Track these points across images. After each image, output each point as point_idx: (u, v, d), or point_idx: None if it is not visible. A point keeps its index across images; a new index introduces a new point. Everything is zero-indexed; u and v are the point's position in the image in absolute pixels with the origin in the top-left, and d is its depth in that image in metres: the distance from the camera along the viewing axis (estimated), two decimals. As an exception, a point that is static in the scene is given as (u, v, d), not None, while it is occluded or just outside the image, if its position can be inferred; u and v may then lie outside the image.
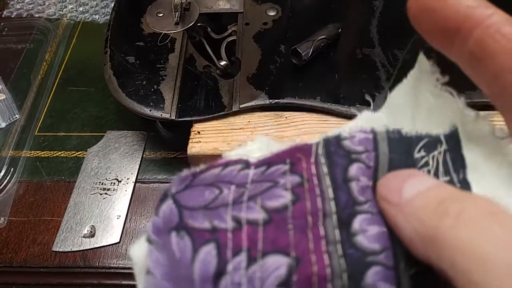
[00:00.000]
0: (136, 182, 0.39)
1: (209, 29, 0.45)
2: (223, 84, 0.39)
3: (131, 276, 0.34)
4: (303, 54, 0.38)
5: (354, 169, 0.15)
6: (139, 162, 0.41)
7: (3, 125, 0.44)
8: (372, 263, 0.13)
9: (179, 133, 0.38)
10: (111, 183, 0.39)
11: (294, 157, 0.15)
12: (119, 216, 0.37)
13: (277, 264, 0.13)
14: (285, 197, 0.14)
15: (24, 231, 0.37)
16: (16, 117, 0.44)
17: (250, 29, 0.42)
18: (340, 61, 0.40)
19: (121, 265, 0.35)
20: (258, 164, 0.16)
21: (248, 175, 0.15)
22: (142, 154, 0.41)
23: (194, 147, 0.35)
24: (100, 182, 0.39)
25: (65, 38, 0.51)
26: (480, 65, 0.13)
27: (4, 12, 0.53)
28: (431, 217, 0.12)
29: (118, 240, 0.36)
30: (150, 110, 0.37)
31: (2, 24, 0.52)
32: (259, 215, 0.14)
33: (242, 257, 0.13)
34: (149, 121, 0.39)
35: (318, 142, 0.16)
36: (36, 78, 0.47)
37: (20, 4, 0.54)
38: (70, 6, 0.54)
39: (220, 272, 0.13)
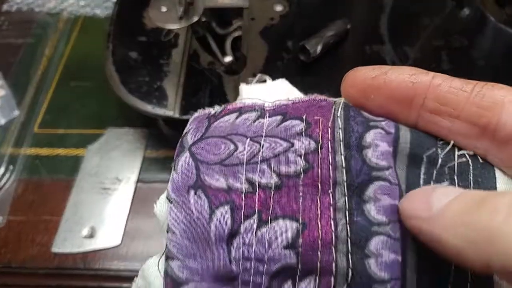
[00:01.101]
0: (137, 181, 0.38)
1: (213, 24, 0.43)
2: (228, 81, 0.38)
3: (132, 279, 0.33)
4: (311, 51, 0.37)
5: (371, 135, 0.15)
6: (140, 161, 0.39)
7: (3, 121, 0.43)
8: (377, 233, 0.14)
9: (181, 131, 0.37)
10: (112, 182, 0.38)
11: (311, 115, 0.15)
12: (120, 216, 0.36)
13: (285, 228, 0.14)
14: (298, 164, 0.14)
15: (23, 231, 0.36)
16: (15, 114, 0.43)
17: (256, 25, 0.41)
18: (348, 58, 0.39)
19: (122, 268, 0.34)
20: (273, 113, 0.16)
21: (263, 125, 0.15)
22: (144, 153, 0.40)
23: (198, 146, 0.34)
24: (100, 181, 0.38)
25: (66, 32, 0.50)
26: (448, 117, 0.15)
27: (4, 6, 0.52)
28: (477, 219, 0.11)
29: (119, 242, 0.35)
30: (153, 108, 0.36)
31: (2, 18, 0.51)
32: (271, 180, 0.14)
33: (254, 220, 0.14)
34: (151, 118, 0.38)
35: (339, 101, 0.16)
36: (36, 73, 0.46)
37: (20, -2, 0.53)
38: (71, 0, 0.53)
39: (233, 233, 0.14)
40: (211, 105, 0.36)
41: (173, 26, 0.41)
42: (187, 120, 0.35)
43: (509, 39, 0.41)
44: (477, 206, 0.11)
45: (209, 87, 0.37)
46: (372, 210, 0.14)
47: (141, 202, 0.37)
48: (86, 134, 0.42)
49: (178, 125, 0.40)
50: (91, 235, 0.35)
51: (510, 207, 0.11)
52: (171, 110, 0.36)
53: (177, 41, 0.40)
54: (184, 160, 0.15)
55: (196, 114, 0.17)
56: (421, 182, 0.15)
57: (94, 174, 0.39)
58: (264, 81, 0.18)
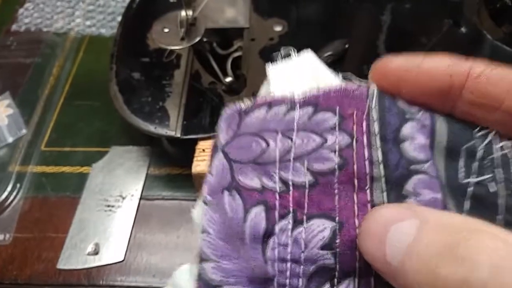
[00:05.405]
0: (140, 198, 0.39)
1: (215, 44, 0.44)
2: (228, 101, 0.39)
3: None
4: (309, 71, 0.37)
5: (408, 128, 0.14)
6: (143, 179, 0.40)
7: (10, 140, 0.44)
8: None
9: (184, 149, 0.38)
10: (116, 199, 0.39)
11: (345, 108, 0.15)
12: (123, 233, 0.37)
13: (321, 227, 0.13)
14: (333, 161, 0.14)
15: (29, 248, 0.37)
16: (23, 132, 0.44)
17: (256, 45, 0.42)
18: (346, 77, 0.40)
19: (126, 284, 0.35)
20: (304, 103, 0.15)
21: (294, 118, 0.15)
22: (147, 170, 0.41)
23: (199, 165, 0.34)
24: (104, 199, 0.39)
25: (72, 52, 0.51)
26: (486, 109, 0.14)
27: (13, 26, 0.54)
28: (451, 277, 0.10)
29: (122, 258, 0.36)
30: (155, 128, 0.37)
31: (11, 38, 0.53)
32: (305, 178, 0.14)
33: (289, 220, 0.14)
34: (154, 136, 0.39)
35: (372, 90, 0.15)
36: (43, 92, 0.47)
37: (29, 18, 0.55)
38: (78, 20, 0.54)
39: (268, 233, 0.14)
40: (212, 125, 0.37)
41: (175, 47, 0.42)
42: (189, 139, 0.36)
43: (506, 57, 0.42)
44: (430, 272, 0.10)
45: (210, 107, 0.38)
46: (414, 204, 0.13)
47: (144, 219, 0.38)
48: (91, 152, 0.43)
49: (180, 144, 0.41)
50: (95, 252, 0.36)
51: (492, 257, 0.10)
52: (173, 130, 0.36)
53: (179, 61, 0.41)
54: (218, 162, 0.15)
55: (225, 113, 0.16)
56: (460, 175, 0.14)
57: (98, 191, 0.40)
58: (289, 54, 0.17)
